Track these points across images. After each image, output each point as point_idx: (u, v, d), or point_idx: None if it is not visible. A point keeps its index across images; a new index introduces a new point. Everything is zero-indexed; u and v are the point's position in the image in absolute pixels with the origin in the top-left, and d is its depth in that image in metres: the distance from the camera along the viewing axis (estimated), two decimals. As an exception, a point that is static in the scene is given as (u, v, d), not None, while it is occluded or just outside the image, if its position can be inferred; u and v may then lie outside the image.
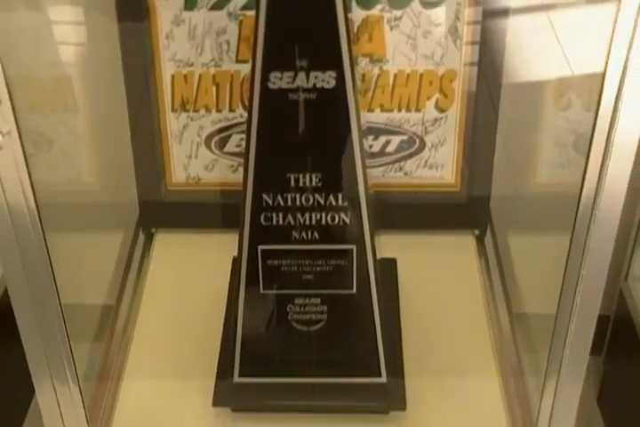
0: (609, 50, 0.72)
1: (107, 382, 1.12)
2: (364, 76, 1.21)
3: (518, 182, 1.30)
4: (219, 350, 1.11)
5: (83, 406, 0.96)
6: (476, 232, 1.34)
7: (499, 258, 1.30)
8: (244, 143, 0.97)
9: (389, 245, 1.18)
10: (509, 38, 1.19)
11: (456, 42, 1.19)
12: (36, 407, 0.98)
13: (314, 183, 0.96)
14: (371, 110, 1.24)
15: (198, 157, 1.28)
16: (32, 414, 1.39)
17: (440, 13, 1.18)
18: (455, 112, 1.24)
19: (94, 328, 1.18)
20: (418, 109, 1.24)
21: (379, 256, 1.02)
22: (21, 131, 0.75)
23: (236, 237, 1.00)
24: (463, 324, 1.19)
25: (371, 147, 1.26)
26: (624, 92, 0.74)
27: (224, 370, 1.07)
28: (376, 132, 1.26)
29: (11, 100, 0.73)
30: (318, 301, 1.02)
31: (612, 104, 0.75)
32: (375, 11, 1.18)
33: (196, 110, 1.25)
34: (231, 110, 1.24)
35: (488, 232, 1.34)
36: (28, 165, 0.77)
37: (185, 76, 1.23)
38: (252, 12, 0.93)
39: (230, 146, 1.27)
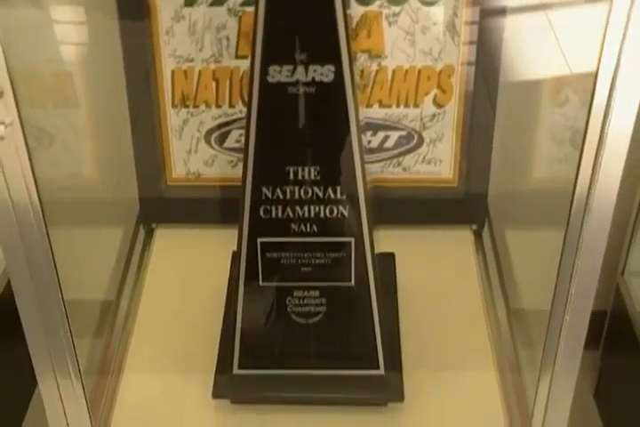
0: (601, 48, 0.73)
1: (107, 376, 1.12)
2: (362, 71, 1.22)
3: (516, 178, 1.31)
4: (218, 342, 1.12)
5: (85, 400, 0.97)
6: (474, 227, 1.35)
7: (496, 253, 1.30)
8: (243, 139, 0.97)
9: (387, 239, 1.18)
10: (507, 35, 1.20)
11: (454, 38, 1.20)
12: (38, 402, 0.99)
13: (312, 176, 0.96)
14: (369, 106, 1.24)
15: (198, 153, 1.29)
16: (33, 409, 1.40)
17: (438, 10, 1.18)
18: (453, 108, 1.25)
19: (95, 323, 1.19)
20: (416, 105, 1.24)
21: (377, 251, 1.02)
22: (24, 121, 0.75)
23: (235, 232, 1.01)
24: (461, 318, 1.20)
25: (369, 142, 1.27)
26: (616, 90, 0.74)
27: (224, 362, 1.08)
28: (374, 127, 1.26)
29: (13, 90, 0.73)
30: (317, 293, 1.03)
31: (605, 102, 0.75)
32: (374, 7, 1.18)
33: (195, 106, 1.25)
34: (231, 106, 1.25)
35: (486, 227, 1.35)
36: (30, 156, 0.77)
37: (185, 72, 1.23)
38: (251, 8, 0.94)
39: (230, 141, 1.28)
